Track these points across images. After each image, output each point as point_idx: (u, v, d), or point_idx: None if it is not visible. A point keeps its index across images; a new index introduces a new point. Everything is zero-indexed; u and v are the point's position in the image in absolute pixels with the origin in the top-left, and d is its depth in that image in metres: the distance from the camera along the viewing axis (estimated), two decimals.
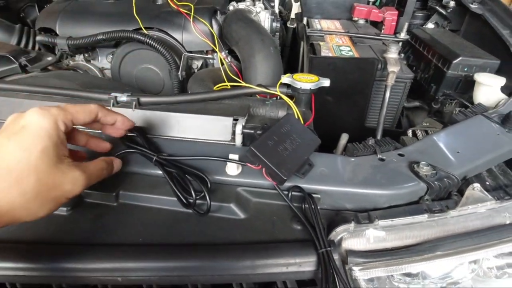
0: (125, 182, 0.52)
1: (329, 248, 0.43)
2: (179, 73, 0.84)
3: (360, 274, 0.44)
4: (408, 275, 0.56)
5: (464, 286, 0.60)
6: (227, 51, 0.97)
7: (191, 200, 0.47)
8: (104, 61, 0.98)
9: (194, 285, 0.44)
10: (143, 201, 0.51)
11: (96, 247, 0.43)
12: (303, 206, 0.50)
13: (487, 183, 0.61)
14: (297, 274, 0.44)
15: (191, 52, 0.90)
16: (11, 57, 0.70)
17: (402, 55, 0.95)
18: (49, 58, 0.77)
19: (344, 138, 0.74)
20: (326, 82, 0.65)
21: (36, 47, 0.96)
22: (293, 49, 1.41)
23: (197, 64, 0.93)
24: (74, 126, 0.44)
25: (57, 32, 0.92)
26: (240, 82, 0.69)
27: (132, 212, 0.49)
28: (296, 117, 0.59)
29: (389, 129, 0.89)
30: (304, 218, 0.47)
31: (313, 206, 0.48)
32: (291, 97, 0.67)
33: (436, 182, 0.52)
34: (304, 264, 0.44)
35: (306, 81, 0.64)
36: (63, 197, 0.39)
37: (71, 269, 0.41)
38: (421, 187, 0.52)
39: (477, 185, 0.54)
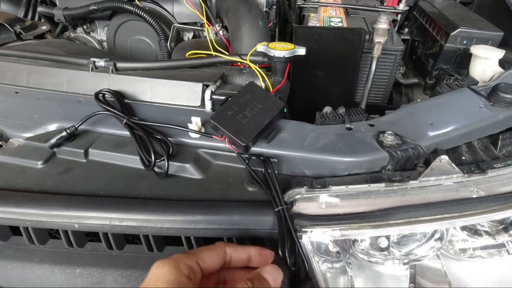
0: (95, 140, 0.55)
1: (285, 206, 0.44)
2: (168, 44, 0.86)
3: (304, 236, 0.45)
4: (374, 248, 0.56)
5: (430, 265, 0.60)
6: (221, 24, 0.97)
7: (151, 162, 0.49)
8: (102, 34, 1.01)
9: (146, 235, 0.46)
10: (111, 159, 0.53)
11: (59, 196, 0.47)
12: (263, 170, 0.51)
13: (463, 157, 0.59)
14: (245, 232, 0.45)
15: (183, 24, 0.91)
16: (7, 25, 0.74)
17: (395, 28, 0.91)
18: (44, 27, 0.81)
19: (326, 110, 0.74)
20: (301, 51, 0.64)
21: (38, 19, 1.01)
22: None
23: (188, 36, 0.93)
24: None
25: (57, 3, 0.95)
26: (224, 53, 0.69)
27: (99, 168, 0.52)
28: (262, 84, 0.59)
29: (380, 104, 0.86)
30: (259, 179, 0.48)
31: (269, 170, 0.48)
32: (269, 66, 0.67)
33: (399, 152, 0.51)
34: (251, 223, 0.45)
35: (280, 49, 0.63)
36: None
37: (34, 214, 0.45)
38: (383, 157, 0.51)
39: (444, 157, 0.52)
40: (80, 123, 0.54)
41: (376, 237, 0.54)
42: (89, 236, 0.51)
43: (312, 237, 0.45)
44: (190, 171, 0.51)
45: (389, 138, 0.52)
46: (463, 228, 0.57)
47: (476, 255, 0.59)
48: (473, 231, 0.58)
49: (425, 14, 0.96)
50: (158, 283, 0.33)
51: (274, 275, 0.37)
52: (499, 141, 0.60)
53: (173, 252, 0.44)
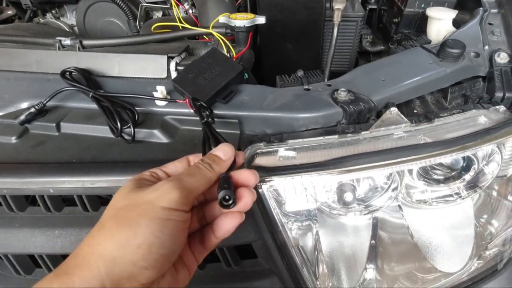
0: (66, 114, 0.58)
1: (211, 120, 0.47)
2: (137, 23, 0.87)
3: (263, 186, 0.48)
4: (340, 201, 0.60)
5: (391, 219, 0.65)
6: (191, 2, 0.99)
7: (118, 129, 0.52)
8: (72, 18, 1.01)
9: None
10: (81, 131, 0.56)
11: (33, 165, 0.50)
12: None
13: (416, 111, 0.63)
14: None
15: (151, 3, 0.92)
16: None
17: None
18: (9, 12, 0.82)
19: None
20: (260, 19, 0.66)
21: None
22: None
23: (157, 15, 0.95)
24: None
25: None
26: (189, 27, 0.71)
27: (71, 140, 0.55)
28: (226, 52, 0.62)
29: (346, 71, 0.89)
30: (214, 136, 0.51)
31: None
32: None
33: (351, 106, 0.55)
34: None
35: (241, 19, 0.65)
36: None
37: (10, 182, 0.48)
38: (337, 111, 0.55)
39: (394, 109, 0.56)
40: (48, 99, 0.56)
41: (342, 191, 0.59)
42: (67, 202, 0.54)
43: (273, 185, 0.49)
44: (158, 136, 0.54)
45: (342, 95, 0.56)
46: (420, 178, 0.61)
47: (434, 204, 0.64)
48: (429, 180, 0.63)
49: None
50: (118, 193, 0.35)
51: (224, 150, 0.39)
52: (449, 94, 0.64)
53: None
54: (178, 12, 0.80)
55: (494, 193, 0.68)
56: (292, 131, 0.55)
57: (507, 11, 0.71)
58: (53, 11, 0.98)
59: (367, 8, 1.06)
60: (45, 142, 0.55)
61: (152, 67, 0.62)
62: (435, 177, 0.63)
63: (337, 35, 0.76)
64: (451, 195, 0.64)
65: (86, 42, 0.64)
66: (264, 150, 0.51)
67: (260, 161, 0.51)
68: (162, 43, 0.69)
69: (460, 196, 0.64)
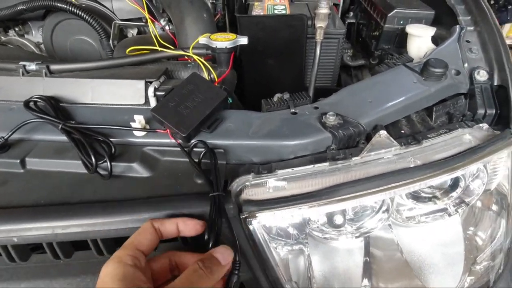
0: (32, 149, 0.52)
1: (221, 193, 0.44)
2: (111, 42, 0.82)
3: (254, 222, 0.45)
4: (330, 225, 0.58)
5: (382, 235, 0.64)
6: (167, 18, 0.95)
7: (93, 165, 0.48)
8: (38, 35, 0.94)
9: (94, 240, 0.45)
10: (50, 166, 0.51)
11: None
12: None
13: (403, 131, 0.63)
14: None
15: (126, 20, 0.87)
16: None
17: (334, 13, 0.93)
18: None
19: (276, 97, 0.74)
20: (243, 40, 0.64)
21: None
22: None
23: (132, 32, 0.90)
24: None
25: None
26: (168, 48, 0.67)
27: (39, 177, 0.50)
28: (206, 75, 0.59)
29: (329, 87, 0.89)
30: (202, 170, 0.48)
31: (213, 161, 0.48)
32: (214, 58, 0.66)
33: (340, 131, 0.53)
34: (198, 212, 0.45)
35: (222, 40, 0.63)
36: None
37: None
38: (327, 137, 0.53)
39: (383, 132, 0.55)
40: (9, 133, 0.51)
41: (331, 215, 0.57)
42: (37, 249, 0.49)
43: (262, 221, 0.46)
44: (137, 170, 0.50)
45: (331, 119, 0.54)
46: (409, 196, 0.61)
47: (422, 221, 0.64)
48: (418, 198, 0.62)
49: None
50: (106, 281, 0.34)
51: (224, 254, 0.40)
52: (434, 113, 0.64)
53: None
54: (154, 29, 0.77)
55: (479, 204, 0.69)
56: (280, 158, 0.53)
57: (482, 28, 0.72)
58: (16, 28, 0.91)
59: (346, 22, 1.07)
60: (8, 181, 0.49)
61: (130, 93, 0.58)
62: (423, 195, 0.63)
63: (320, 53, 0.75)
64: (439, 212, 0.64)
65: (53, 67, 0.59)
66: (253, 182, 0.49)
67: (249, 193, 0.48)
68: (138, 66, 0.65)
69: (448, 213, 0.64)
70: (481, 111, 0.64)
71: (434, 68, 0.62)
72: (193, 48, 0.65)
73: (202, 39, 0.64)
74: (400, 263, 0.61)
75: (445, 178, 0.57)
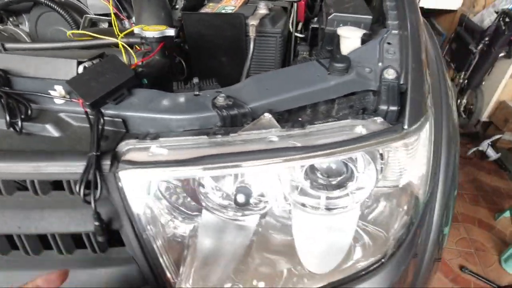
0: None
1: (97, 154, 0.52)
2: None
3: (121, 174, 0.53)
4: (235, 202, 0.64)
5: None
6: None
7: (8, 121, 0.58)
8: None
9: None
10: None
11: None
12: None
13: (300, 119, 0.67)
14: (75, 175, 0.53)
15: (98, 15, 1.00)
16: None
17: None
18: None
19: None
20: (170, 32, 0.72)
21: None
22: None
23: (103, 25, 1.03)
24: None
25: None
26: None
27: None
28: (125, 58, 0.68)
29: None
30: (96, 135, 0.56)
31: (100, 126, 0.56)
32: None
33: (225, 110, 0.59)
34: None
35: (151, 30, 0.72)
36: None
37: None
38: (213, 115, 0.60)
39: (267, 115, 0.60)
40: None
41: (235, 192, 0.62)
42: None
43: (130, 177, 0.53)
44: (49, 130, 0.60)
45: (220, 100, 0.61)
46: (307, 178, 0.64)
47: (319, 207, 0.67)
48: (316, 183, 0.66)
49: (324, 2, 1.05)
50: None
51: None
52: (335, 105, 0.68)
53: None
54: (114, 21, 0.88)
55: (394, 202, 0.71)
56: (171, 131, 0.60)
57: (404, 32, 0.75)
58: (11, 19, 1.07)
59: (310, 27, 1.12)
60: None
61: (64, 69, 0.69)
62: (321, 181, 0.66)
63: (254, 48, 0.82)
64: (334, 199, 0.66)
65: (8, 45, 0.71)
66: (137, 146, 0.56)
67: (130, 156, 0.55)
68: (85, 50, 0.76)
69: (343, 204, 0.66)
70: (383, 107, 0.67)
71: (337, 63, 0.66)
72: (130, 37, 0.74)
73: (136, 29, 0.73)
74: (286, 242, 0.65)
75: (322, 161, 0.61)
